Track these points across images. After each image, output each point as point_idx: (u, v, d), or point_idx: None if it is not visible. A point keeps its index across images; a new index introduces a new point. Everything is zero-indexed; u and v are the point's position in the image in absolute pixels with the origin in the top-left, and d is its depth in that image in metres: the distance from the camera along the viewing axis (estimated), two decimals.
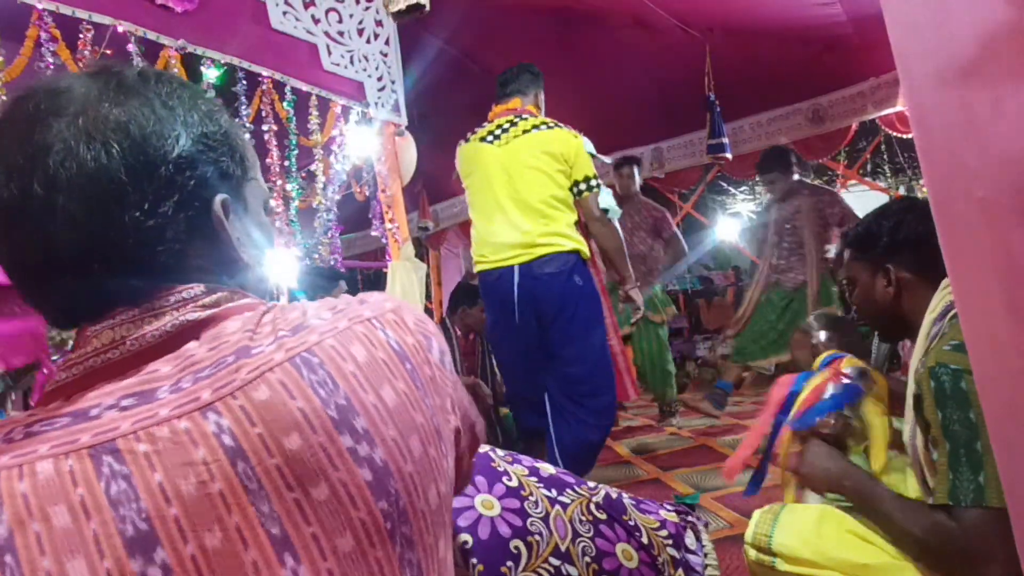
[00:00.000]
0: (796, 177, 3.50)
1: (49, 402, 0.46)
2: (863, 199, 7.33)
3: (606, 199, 2.28)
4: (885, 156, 6.69)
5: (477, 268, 2.33)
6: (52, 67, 1.97)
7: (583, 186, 2.25)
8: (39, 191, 0.44)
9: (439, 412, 0.52)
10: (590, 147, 2.27)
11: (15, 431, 0.43)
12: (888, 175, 6.89)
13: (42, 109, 0.47)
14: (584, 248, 2.26)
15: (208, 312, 0.49)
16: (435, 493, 0.49)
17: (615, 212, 2.30)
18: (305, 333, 0.48)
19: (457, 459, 0.60)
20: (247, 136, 0.58)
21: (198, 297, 0.49)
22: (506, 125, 2.30)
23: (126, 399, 0.44)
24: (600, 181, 2.28)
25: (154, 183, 0.47)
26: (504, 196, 2.22)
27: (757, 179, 3.66)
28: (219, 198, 0.51)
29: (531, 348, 2.27)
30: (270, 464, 0.43)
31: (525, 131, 2.26)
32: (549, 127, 2.26)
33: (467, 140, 2.39)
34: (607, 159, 2.70)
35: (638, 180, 3.89)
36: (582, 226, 2.33)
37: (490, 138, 2.31)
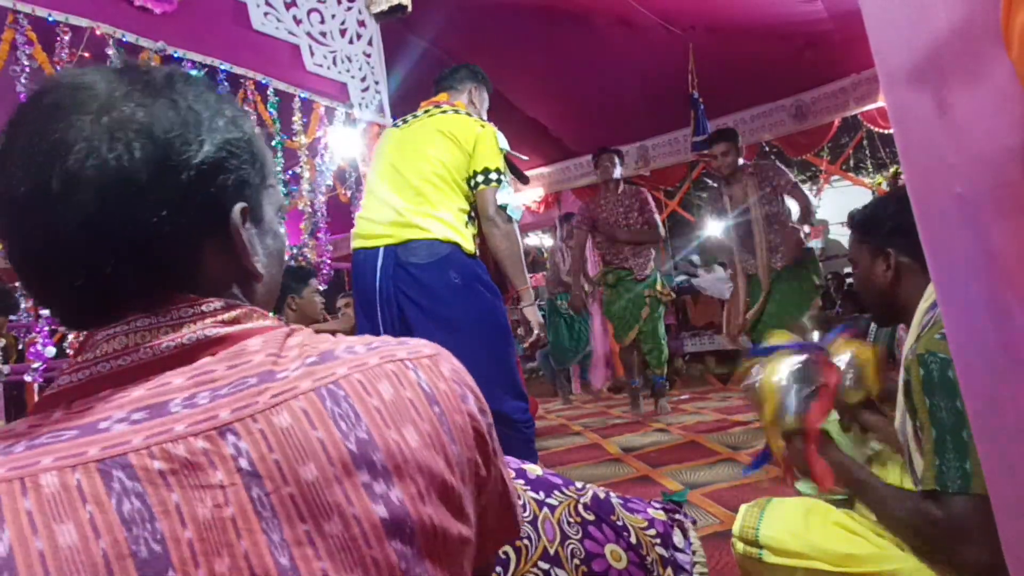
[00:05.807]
0: (741, 161, 3.53)
1: (48, 406, 0.44)
2: (846, 194, 7.40)
3: (505, 196, 2.00)
4: (867, 151, 6.75)
5: (352, 245, 2.08)
6: (28, 70, 1.95)
7: (480, 178, 1.97)
8: (56, 187, 0.43)
9: (468, 465, 0.50)
10: (504, 144, 2.04)
11: (15, 443, 0.41)
12: (871, 170, 6.96)
13: (65, 104, 0.45)
14: (465, 243, 1.95)
15: (227, 329, 0.48)
16: (455, 537, 0.48)
17: (515, 211, 2.02)
18: (334, 364, 0.47)
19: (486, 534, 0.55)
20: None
21: (217, 312, 0.48)
22: (420, 113, 2.12)
23: (137, 412, 0.42)
24: (503, 177, 2.00)
25: (174, 188, 0.46)
26: (386, 171, 2.00)
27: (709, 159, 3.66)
28: (238, 206, 0.50)
29: None
30: (284, 492, 0.41)
31: (430, 115, 2.08)
32: (456, 112, 2.06)
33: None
34: (524, 157, 2.51)
35: (619, 169, 4.11)
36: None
37: (400, 123, 2.14)
